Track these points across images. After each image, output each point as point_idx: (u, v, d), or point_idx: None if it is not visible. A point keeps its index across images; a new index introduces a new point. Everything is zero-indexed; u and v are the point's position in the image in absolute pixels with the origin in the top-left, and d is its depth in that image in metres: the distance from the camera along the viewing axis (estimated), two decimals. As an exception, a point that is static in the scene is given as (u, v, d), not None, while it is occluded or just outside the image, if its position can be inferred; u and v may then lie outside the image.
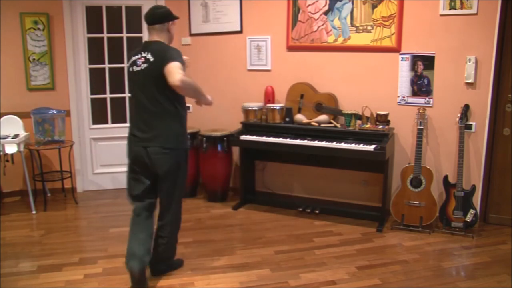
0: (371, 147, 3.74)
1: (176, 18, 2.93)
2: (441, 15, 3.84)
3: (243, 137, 4.24)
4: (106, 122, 5.01)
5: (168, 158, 2.85)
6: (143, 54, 2.80)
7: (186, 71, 2.80)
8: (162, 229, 3.00)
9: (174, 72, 2.64)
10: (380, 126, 3.96)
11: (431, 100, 3.99)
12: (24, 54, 4.60)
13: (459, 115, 3.79)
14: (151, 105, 2.81)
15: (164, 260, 3.11)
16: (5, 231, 3.90)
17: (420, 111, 3.87)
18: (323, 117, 4.16)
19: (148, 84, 2.79)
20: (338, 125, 4.11)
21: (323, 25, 4.27)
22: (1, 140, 4.23)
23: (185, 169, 2.99)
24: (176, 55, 2.75)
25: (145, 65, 2.78)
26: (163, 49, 2.78)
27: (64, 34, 4.69)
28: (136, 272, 2.81)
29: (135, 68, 2.83)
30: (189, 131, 4.65)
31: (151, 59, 2.76)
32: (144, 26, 4.88)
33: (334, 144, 3.88)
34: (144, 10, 4.85)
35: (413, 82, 4.03)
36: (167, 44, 2.88)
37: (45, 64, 4.67)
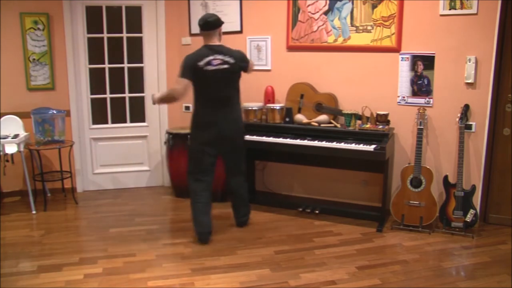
0: (371, 147, 3.74)
1: (223, 22, 3.62)
2: (441, 15, 3.84)
3: (243, 137, 4.24)
4: (106, 122, 5.01)
5: None
6: (218, 56, 3.49)
7: None
8: None
9: (252, 67, 3.81)
10: (380, 126, 3.96)
11: (431, 100, 3.99)
12: (24, 54, 4.60)
13: (459, 115, 3.79)
14: (230, 97, 3.63)
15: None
16: (5, 231, 3.90)
17: (420, 111, 3.87)
18: (323, 117, 4.16)
19: (228, 81, 3.57)
20: (338, 125, 4.11)
21: (323, 25, 4.27)
22: (1, 140, 4.23)
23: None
24: (246, 56, 3.76)
25: (225, 66, 3.50)
26: (238, 53, 3.62)
27: (64, 34, 4.69)
28: None
29: (210, 67, 3.46)
30: (189, 131, 4.65)
31: (232, 61, 3.53)
32: (145, 26, 4.89)
33: (334, 144, 3.88)
34: (144, 10, 4.86)
35: (413, 82, 4.03)
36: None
37: (45, 64, 4.67)
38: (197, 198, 3.64)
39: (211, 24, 3.51)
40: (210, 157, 3.66)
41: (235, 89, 3.68)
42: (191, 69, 3.46)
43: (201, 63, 3.46)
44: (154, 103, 3.66)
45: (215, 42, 3.58)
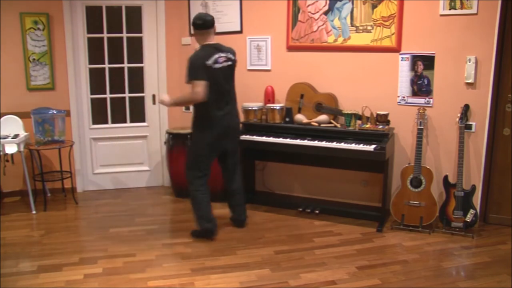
0: (371, 147, 3.74)
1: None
2: (441, 15, 3.84)
3: (243, 137, 4.23)
4: (106, 122, 5.01)
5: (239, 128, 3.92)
6: (223, 54, 3.61)
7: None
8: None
9: None
10: (380, 126, 3.96)
11: (431, 100, 3.99)
12: (24, 54, 4.60)
13: (459, 115, 3.79)
14: (231, 91, 3.74)
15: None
16: (5, 231, 3.90)
17: (420, 111, 3.87)
18: (323, 117, 4.16)
19: (231, 77, 3.71)
20: (338, 125, 4.11)
21: (323, 25, 4.27)
22: (1, 140, 4.23)
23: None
24: None
25: (229, 63, 3.64)
26: (232, 49, 3.75)
27: (64, 34, 4.69)
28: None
29: (217, 65, 3.56)
30: (189, 131, 4.65)
31: (233, 58, 3.70)
32: (144, 26, 4.89)
33: (334, 144, 3.88)
34: (144, 10, 4.86)
35: (413, 82, 4.03)
36: None
37: (45, 64, 4.67)
38: (202, 191, 3.71)
39: (209, 23, 3.60)
40: (214, 155, 3.78)
41: (233, 85, 3.80)
42: (203, 69, 3.51)
43: (209, 61, 3.53)
44: (165, 105, 3.76)
45: (212, 40, 3.65)
